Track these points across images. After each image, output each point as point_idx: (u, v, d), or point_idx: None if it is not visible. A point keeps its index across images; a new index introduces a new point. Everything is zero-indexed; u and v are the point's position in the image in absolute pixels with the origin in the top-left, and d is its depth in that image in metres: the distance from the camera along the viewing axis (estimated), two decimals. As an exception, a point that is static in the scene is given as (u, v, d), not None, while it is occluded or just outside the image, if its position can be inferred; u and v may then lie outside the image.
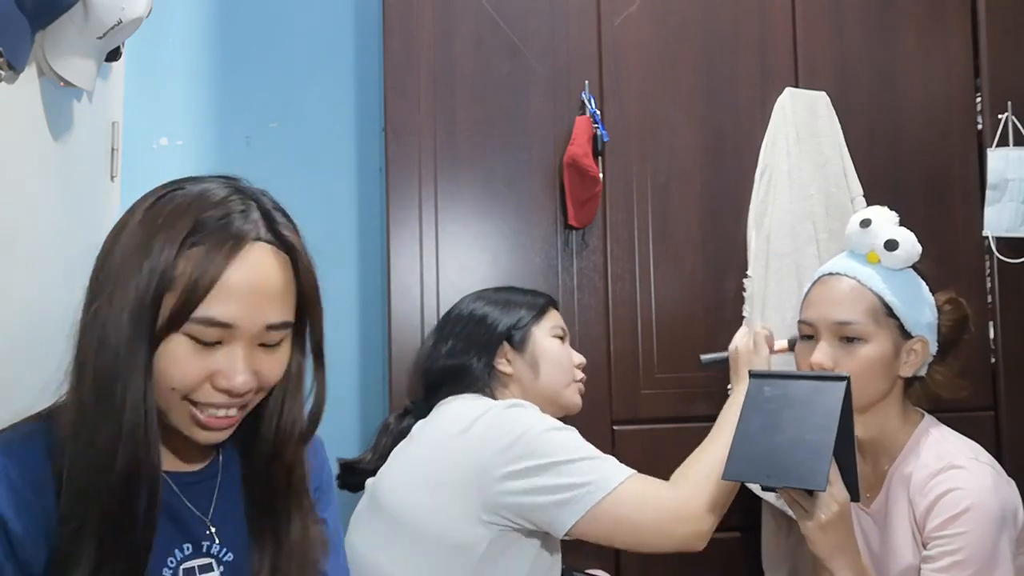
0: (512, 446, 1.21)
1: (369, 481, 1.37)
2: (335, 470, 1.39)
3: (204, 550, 0.89)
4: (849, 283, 1.29)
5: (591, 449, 1.24)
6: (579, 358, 1.48)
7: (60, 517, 0.78)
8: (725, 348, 1.61)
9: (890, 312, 1.26)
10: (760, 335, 1.42)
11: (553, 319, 1.46)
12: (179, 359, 0.80)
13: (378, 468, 1.37)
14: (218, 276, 0.79)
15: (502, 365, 1.41)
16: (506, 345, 1.41)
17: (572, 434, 1.26)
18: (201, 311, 0.79)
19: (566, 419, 1.56)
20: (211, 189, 0.84)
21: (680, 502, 1.22)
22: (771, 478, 1.16)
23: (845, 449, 1.16)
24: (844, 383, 1.15)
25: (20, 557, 0.78)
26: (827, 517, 1.12)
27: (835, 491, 1.13)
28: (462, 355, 1.40)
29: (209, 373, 0.82)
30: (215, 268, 0.79)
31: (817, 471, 1.10)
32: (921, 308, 1.28)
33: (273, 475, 0.92)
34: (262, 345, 0.84)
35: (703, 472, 1.25)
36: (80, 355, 0.80)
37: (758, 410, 1.19)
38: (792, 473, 1.12)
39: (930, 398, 1.35)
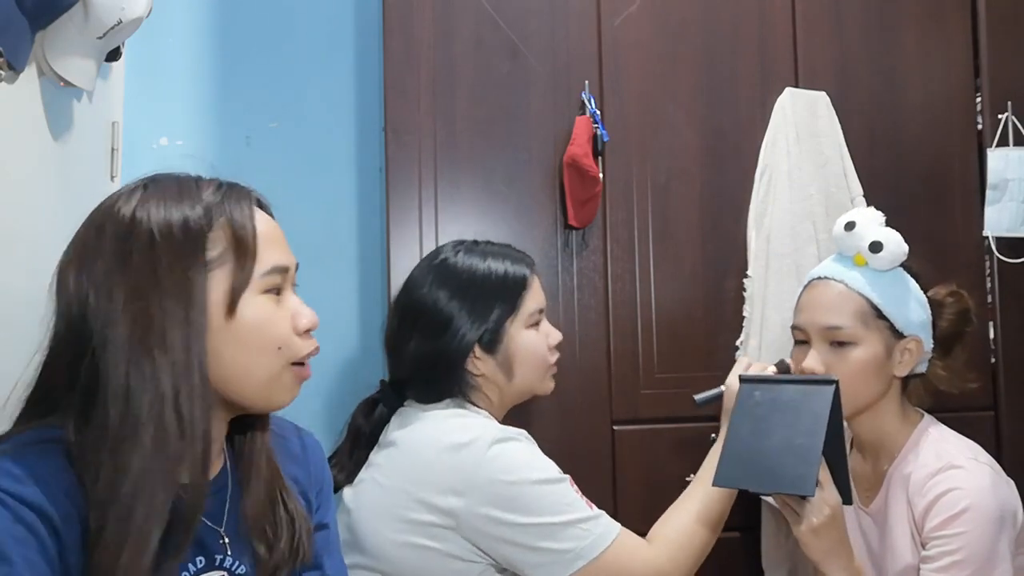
0: (502, 493, 1.17)
1: (347, 497, 1.28)
2: None
3: (217, 563, 0.87)
4: (836, 287, 1.29)
5: (581, 506, 1.20)
6: (556, 338, 1.37)
7: (102, 531, 0.75)
8: (724, 348, 1.61)
9: (879, 314, 1.27)
10: (759, 367, 1.38)
11: (530, 302, 1.33)
12: (270, 316, 0.85)
13: (351, 479, 1.29)
14: (256, 231, 0.85)
15: (472, 366, 1.30)
16: (476, 347, 1.30)
17: (564, 488, 1.21)
18: (265, 263, 0.85)
19: (564, 420, 1.56)
20: (179, 177, 0.87)
21: (660, 566, 1.21)
22: (761, 484, 1.16)
23: (836, 452, 1.16)
24: (833, 387, 1.15)
25: (64, 557, 0.75)
26: (819, 521, 1.12)
27: (827, 495, 1.13)
28: (427, 355, 1.29)
29: (291, 320, 0.87)
30: (250, 225, 0.85)
31: (806, 476, 1.10)
32: (911, 307, 1.28)
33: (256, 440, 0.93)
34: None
35: (681, 531, 1.26)
36: (104, 364, 0.78)
37: (748, 415, 1.19)
38: (781, 479, 1.12)
39: (932, 394, 1.34)
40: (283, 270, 0.87)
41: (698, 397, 1.41)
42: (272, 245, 0.87)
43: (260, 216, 0.88)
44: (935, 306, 1.33)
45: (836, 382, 1.16)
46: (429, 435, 1.24)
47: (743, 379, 1.24)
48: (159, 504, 0.76)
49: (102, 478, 0.76)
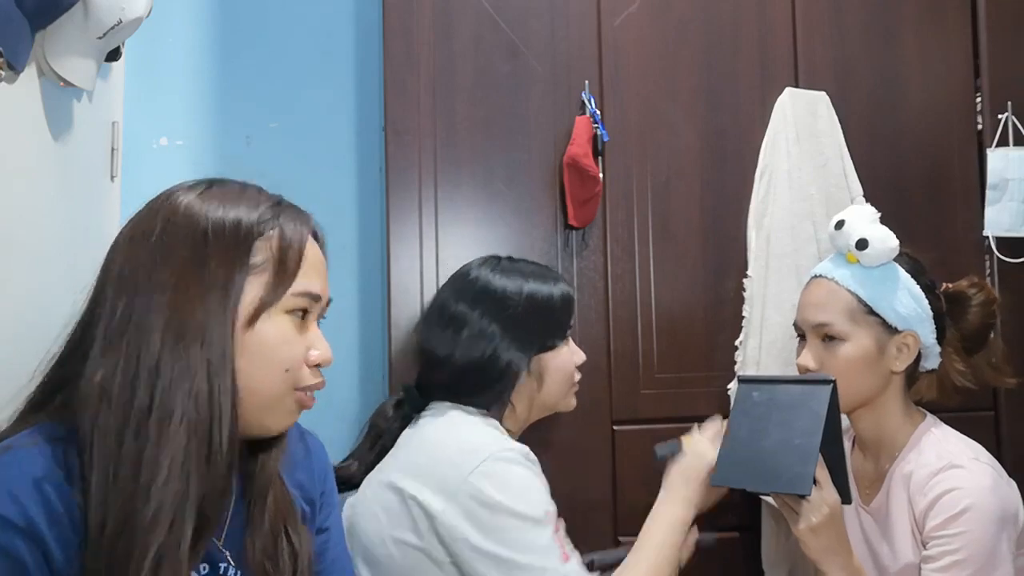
0: (482, 510, 1.14)
1: (350, 499, 1.29)
2: None
3: (221, 571, 0.87)
4: (827, 285, 1.31)
5: (551, 555, 1.13)
6: (580, 357, 1.39)
7: (107, 521, 0.74)
8: (724, 348, 1.60)
9: (869, 310, 1.27)
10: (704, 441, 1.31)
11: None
12: (287, 336, 0.85)
13: (368, 471, 1.29)
14: (303, 252, 0.86)
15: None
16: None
17: (541, 531, 1.14)
18: (300, 285, 0.85)
19: (564, 420, 1.55)
20: (239, 186, 0.88)
21: None
22: (758, 484, 1.16)
23: (835, 452, 1.16)
24: (830, 386, 1.15)
25: (53, 565, 0.74)
26: (817, 520, 1.13)
27: (825, 494, 1.13)
28: (483, 353, 1.27)
29: (305, 349, 0.87)
30: (298, 245, 0.86)
31: (803, 476, 1.10)
32: (903, 302, 1.28)
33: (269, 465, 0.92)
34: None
35: None
36: (132, 359, 0.77)
37: (746, 415, 1.19)
38: (779, 478, 1.12)
39: (952, 390, 1.33)
40: (314, 297, 0.87)
41: (658, 448, 1.32)
42: (313, 271, 0.87)
43: (311, 243, 0.89)
44: (957, 300, 1.33)
45: (833, 382, 1.16)
46: (437, 437, 1.24)
47: (741, 380, 1.24)
48: (190, 498, 0.76)
49: (121, 464, 0.75)
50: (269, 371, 0.84)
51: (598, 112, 1.72)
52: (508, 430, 1.30)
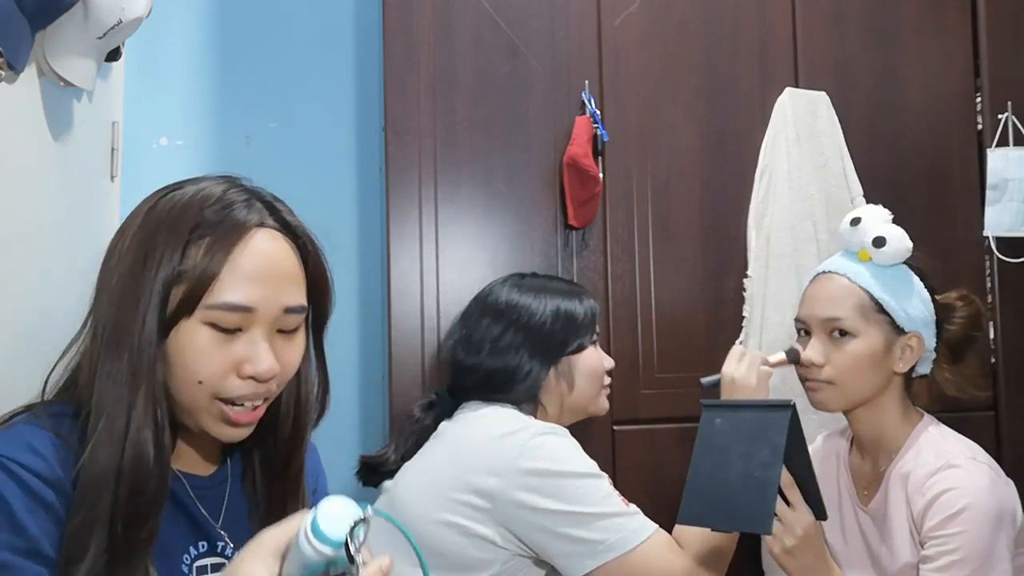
0: (540, 480, 1.21)
1: (387, 483, 1.35)
2: (357, 466, 1.41)
3: (219, 550, 0.89)
4: (839, 281, 1.31)
5: (616, 502, 1.24)
6: (609, 363, 1.45)
7: (72, 507, 0.78)
8: (724, 348, 1.60)
9: (880, 308, 1.27)
10: (755, 356, 1.38)
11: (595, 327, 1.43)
12: (202, 349, 0.80)
13: (399, 468, 1.35)
14: (226, 261, 0.80)
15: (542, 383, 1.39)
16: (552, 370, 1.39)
17: (600, 483, 1.25)
18: (218, 296, 0.79)
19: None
20: (210, 185, 0.86)
21: (689, 570, 1.23)
22: (721, 522, 1.14)
23: (803, 471, 1.15)
24: (789, 411, 1.12)
25: (59, 530, 0.78)
26: (792, 542, 1.13)
27: (799, 515, 1.13)
28: (508, 362, 1.36)
29: (233, 362, 0.81)
30: (223, 253, 0.80)
31: (763, 514, 1.09)
32: (913, 303, 1.28)
33: (289, 464, 0.93)
34: (279, 332, 0.85)
35: (710, 536, 1.26)
36: (91, 355, 0.81)
37: (710, 446, 1.16)
38: (741, 517, 1.11)
39: (939, 397, 1.34)
40: (242, 309, 0.80)
41: (704, 380, 1.43)
42: (245, 281, 0.81)
43: (257, 246, 0.83)
44: (944, 310, 1.33)
45: (793, 406, 1.13)
46: (478, 425, 1.31)
47: (705, 405, 1.22)
48: (122, 495, 0.77)
49: (86, 454, 0.78)
50: (183, 382, 0.81)
51: (598, 112, 1.72)
52: None
